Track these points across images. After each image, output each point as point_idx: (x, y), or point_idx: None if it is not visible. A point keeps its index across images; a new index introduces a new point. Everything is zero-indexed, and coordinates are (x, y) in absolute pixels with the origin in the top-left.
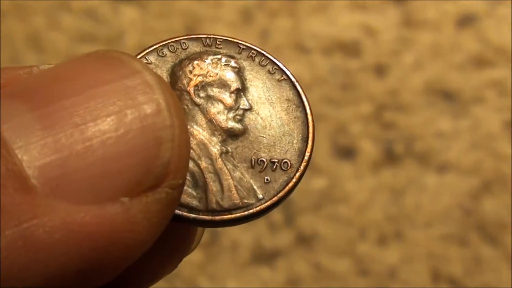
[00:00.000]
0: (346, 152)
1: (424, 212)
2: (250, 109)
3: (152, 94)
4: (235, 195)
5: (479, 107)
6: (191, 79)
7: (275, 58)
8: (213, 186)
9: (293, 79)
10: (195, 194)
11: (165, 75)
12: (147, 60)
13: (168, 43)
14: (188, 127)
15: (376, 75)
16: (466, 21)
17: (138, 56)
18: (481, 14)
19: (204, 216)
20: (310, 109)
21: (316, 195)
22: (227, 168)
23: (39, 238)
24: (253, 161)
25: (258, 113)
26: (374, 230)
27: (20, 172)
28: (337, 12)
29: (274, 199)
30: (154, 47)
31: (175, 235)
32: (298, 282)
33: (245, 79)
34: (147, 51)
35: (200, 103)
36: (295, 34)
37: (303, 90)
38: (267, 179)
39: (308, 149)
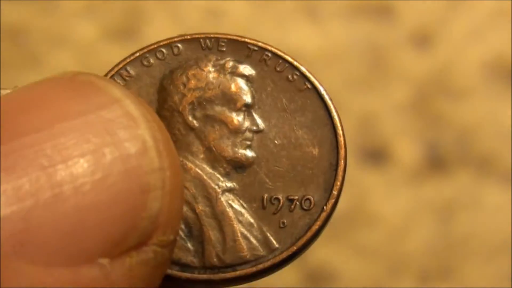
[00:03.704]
0: (375, 156)
1: (481, 241)
2: (261, 131)
3: (136, 129)
4: (241, 245)
5: None
6: (184, 95)
7: (296, 61)
8: (212, 235)
9: (320, 88)
10: (189, 246)
11: (151, 92)
12: (128, 72)
13: (155, 48)
14: (181, 158)
15: (416, 48)
16: None
17: (117, 68)
18: None
19: (201, 275)
20: (342, 127)
21: (333, 217)
22: (231, 210)
23: None
24: (265, 200)
25: (272, 136)
26: (413, 265)
27: None
28: None
29: (292, 249)
30: (137, 54)
31: None
32: None
33: (256, 91)
34: (128, 60)
35: (196, 126)
36: None
37: (332, 103)
38: (283, 223)
39: (338, 181)
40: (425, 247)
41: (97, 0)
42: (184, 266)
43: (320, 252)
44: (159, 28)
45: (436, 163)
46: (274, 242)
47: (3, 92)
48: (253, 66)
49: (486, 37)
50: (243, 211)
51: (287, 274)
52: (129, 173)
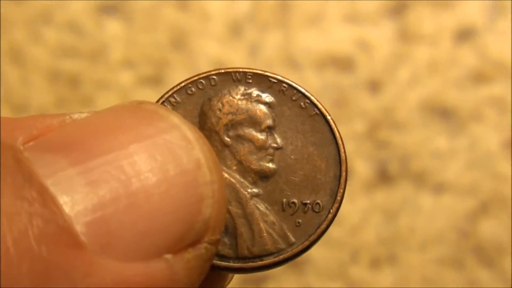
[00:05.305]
0: None
1: (418, 235)
2: (281, 148)
3: (192, 150)
4: (266, 240)
5: (477, 125)
6: (220, 118)
7: (308, 92)
8: (244, 231)
9: (326, 114)
10: (225, 241)
11: (194, 115)
12: (175, 99)
13: (197, 79)
14: None
15: (370, 91)
16: (464, 35)
17: (167, 95)
18: (480, 28)
19: (235, 264)
20: (343, 145)
21: None
22: (258, 211)
23: None
24: (284, 204)
25: (289, 152)
26: (367, 253)
27: (70, 228)
28: (330, 25)
29: (305, 243)
30: (182, 84)
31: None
32: None
33: (276, 115)
34: (175, 89)
35: (230, 143)
36: (286, 48)
37: (335, 126)
38: (299, 222)
39: (341, 189)
40: (376, 239)
41: (134, 54)
42: (222, 257)
43: None
44: (180, 76)
45: (384, 177)
46: (292, 237)
47: (81, 115)
48: (273, 95)
49: (423, 83)
50: (267, 212)
51: None
52: (187, 186)
